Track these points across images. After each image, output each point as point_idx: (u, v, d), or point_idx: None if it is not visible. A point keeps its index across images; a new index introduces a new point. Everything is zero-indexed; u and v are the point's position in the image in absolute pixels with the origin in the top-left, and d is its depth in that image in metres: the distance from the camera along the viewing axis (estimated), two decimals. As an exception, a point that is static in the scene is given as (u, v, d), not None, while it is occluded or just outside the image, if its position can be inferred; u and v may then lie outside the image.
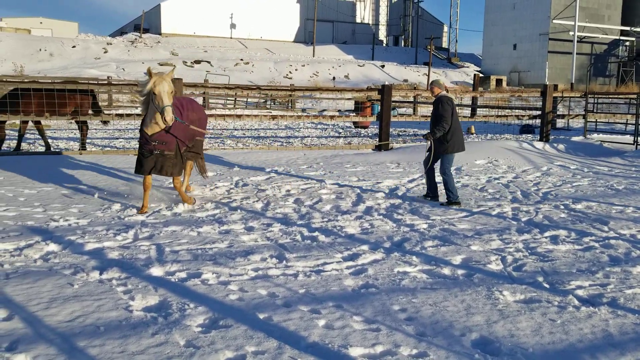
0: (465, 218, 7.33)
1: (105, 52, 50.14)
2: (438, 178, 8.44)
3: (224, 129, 21.62)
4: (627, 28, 53.36)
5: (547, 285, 4.87)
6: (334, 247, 5.91)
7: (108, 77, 31.95)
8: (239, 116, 13.92)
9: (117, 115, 13.97)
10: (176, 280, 4.83)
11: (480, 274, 5.16)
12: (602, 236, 6.51)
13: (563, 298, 4.58)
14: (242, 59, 53.61)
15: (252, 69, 51.31)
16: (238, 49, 60.82)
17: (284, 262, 5.33)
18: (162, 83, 6.88)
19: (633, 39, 55.08)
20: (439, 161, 8.37)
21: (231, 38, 65.43)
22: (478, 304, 4.40)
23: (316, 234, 6.40)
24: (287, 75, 51.72)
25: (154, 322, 3.96)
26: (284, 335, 3.79)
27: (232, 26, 65.98)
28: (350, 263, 5.38)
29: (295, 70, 53.59)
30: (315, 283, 4.79)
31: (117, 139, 16.48)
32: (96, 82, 21.55)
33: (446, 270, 5.25)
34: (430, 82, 8.15)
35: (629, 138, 15.83)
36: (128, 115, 13.09)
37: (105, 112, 15.82)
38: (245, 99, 33.30)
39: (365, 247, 5.92)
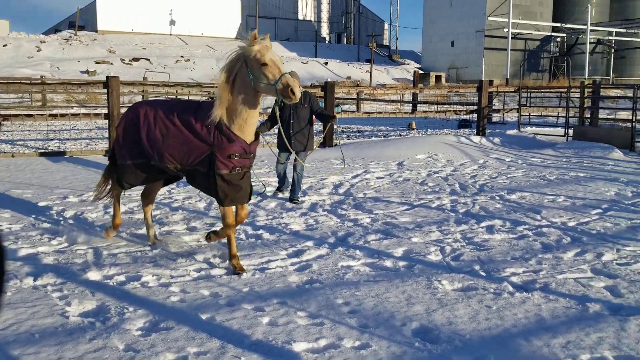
0: (407, 211, 7.49)
1: (39, 50, 48.03)
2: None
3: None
4: (558, 24, 55.70)
5: (483, 274, 5.05)
6: (279, 244, 5.92)
7: (41, 76, 30.65)
8: (180, 115, 13.67)
9: (50, 115, 13.43)
10: (115, 284, 4.71)
11: (421, 265, 5.29)
12: (535, 225, 6.79)
13: (498, 285, 4.76)
14: (182, 56, 52.63)
15: (194, 66, 50.45)
16: (178, 45, 59.65)
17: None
18: (271, 50, 4.76)
19: (564, 35, 57.55)
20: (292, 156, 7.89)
21: (171, 35, 64.08)
22: (418, 294, 4.51)
23: (260, 232, 6.39)
24: (229, 72, 51.09)
25: (91, 327, 3.85)
26: (227, 335, 3.76)
27: (172, 23, 64.64)
28: (295, 260, 5.40)
29: (238, 67, 53.04)
30: (260, 281, 4.78)
31: (52, 140, 15.85)
32: (29, 82, 20.64)
33: (388, 263, 5.35)
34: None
35: (560, 130, 16.57)
36: (62, 115, 12.60)
37: (39, 112, 15.19)
38: (187, 97, 32.72)
39: (309, 243, 5.95)
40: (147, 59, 49.60)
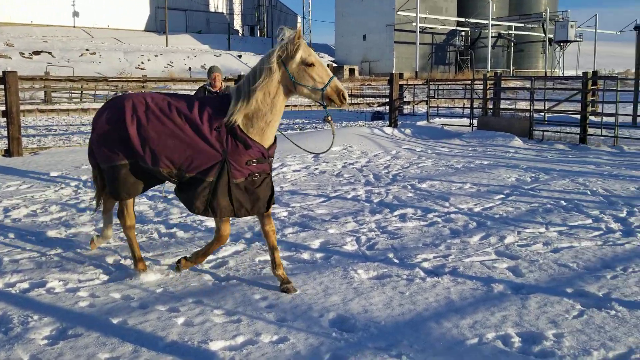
0: (323, 203, 7.58)
1: None
2: None
3: (70, 125, 20.11)
4: (463, 19, 58.29)
5: (396, 261, 5.21)
6: (194, 242, 5.80)
7: None
8: (85, 110, 13.03)
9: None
10: (17, 291, 4.42)
11: (337, 256, 5.37)
12: (444, 211, 7.09)
13: (411, 271, 4.93)
14: (87, 49, 50.14)
15: (100, 60, 48.21)
16: (83, 38, 56.73)
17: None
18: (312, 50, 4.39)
19: (468, 29, 60.33)
20: None
21: (74, 27, 60.78)
22: (335, 285, 4.58)
23: (174, 230, 6.23)
24: (139, 66, 49.35)
25: (-9, 340, 3.60)
26: (140, 338, 3.64)
27: (75, 14, 61.33)
28: (211, 257, 5.31)
29: (148, 60, 51.32)
30: (174, 281, 4.67)
31: (-59, 140, 14.59)
32: None
33: (305, 255, 5.39)
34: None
35: (465, 121, 17.39)
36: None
37: None
38: (93, 92, 31.19)
39: (225, 240, 5.88)
40: (49, 53, 46.84)
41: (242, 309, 4.12)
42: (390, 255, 5.38)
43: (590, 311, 4.07)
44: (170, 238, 5.93)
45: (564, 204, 7.48)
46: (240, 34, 73.06)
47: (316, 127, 18.63)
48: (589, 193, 8.15)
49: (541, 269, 4.97)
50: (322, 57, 63.02)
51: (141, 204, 7.41)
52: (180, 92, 32.91)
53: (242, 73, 28.45)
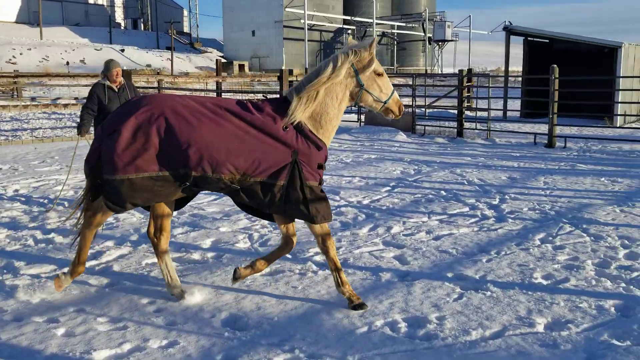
0: (215, 201, 7.44)
1: None
2: None
3: None
4: (349, 17, 59.85)
5: (289, 256, 5.23)
6: (74, 247, 5.44)
7: None
8: (-56, 108, 11.77)
9: None
10: None
11: (230, 254, 5.31)
12: (335, 205, 7.25)
13: (303, 265, 4.99)
14: (-53, 41, 45.34)
15: (-37, 53, 43.80)
16: (-60, 28, 51.20)
17: (13, 272, 4.72)
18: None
19: (354, 27, 62.06)
20: None
21: None
22: (227, 284, 4.52)
23: (52, 235, 5.82)
24: (10, 60, 45.47)
25: None
26: (14, 354, 3.37)
27: None
28: (94, 262, 5.03)
29: (20, 54, 47.45)
30: (52, 289, 4.35)
31: None
32: None
33: (196, 255, 5.27)
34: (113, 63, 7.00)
35: (354, 116, 17.88)
36: None
37: None
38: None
39: (109, 243, 5.59)
40: None
41: (129, 315, 3.94)
42: (283, 250, 5.40)
43: (468, 293, 4.35)
44: (47, 244, 5.53)
45: (444, 193, 7.93)
46: (122, 27, 69.65)
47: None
48: (466, 183, 8.72)
49: (424, 256, 5.24)
50: (210, 52, 61.85)
51: (14, 209, 6.85)
52: (58, 88, 30.75)
53: (125, 68, 27.14)
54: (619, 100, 15.99)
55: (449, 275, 4.76)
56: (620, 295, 4.29)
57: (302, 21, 53.89)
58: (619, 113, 16.28)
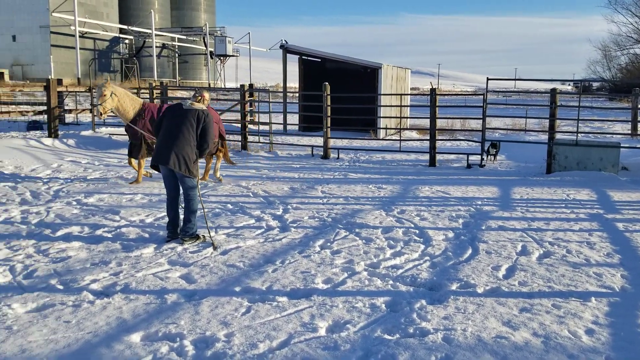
0: (-36, 231, 6.38)
1: None
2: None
3: None
4: (125, 27, 56.96)
5: (61, 287, 4.72)
6: None
7: None
8: None
9: None
10: None
11: (-15, 292, 4.57)
12: (114, 226, 6.76)
13: (78, 296, 4.52)
14: None
15: None
16: None
17: None
18: None
19: (131, 37, 59.24)
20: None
21: None
22: (-18, 327, 3.87)
23: None
24: None
25: None
26: None
27: None
28: None
29: None
30: None
31: None
32: None
33: (-60, 297, 4.43)
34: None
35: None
36: None
37: None
38: None
39: None
40: None
41: None
42: (53, 281, 4.85)
43: (256, 305, 4.39)
44: None
45: (231, 207, 7.96)
46: None
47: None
48: (252, 195, 8.88)
49: (212, 272, 5.16)
50: (-42, 57, 53.40)
51: None
52: None
53: None
54: (381, 115, 17.92)
55: (237, 289, 4.76)
56: (389, 292, 4.75)
57: (72, 28, 49.72)
58: (381, 127, 18.22)
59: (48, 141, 13.80)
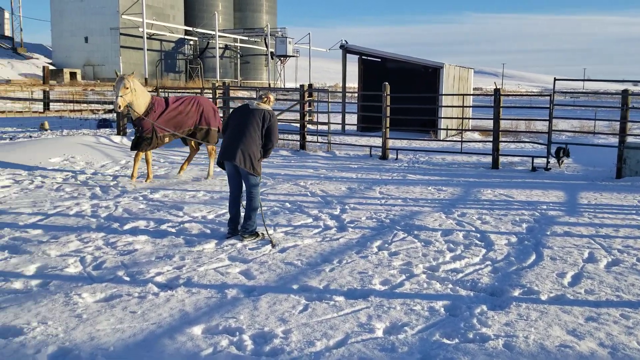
0: (40, 222, 6.75)
1: None
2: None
3: None
4: (190, 28, 58.67)
5: (127, 279, 4.92)
6: None
7: None
8: None
9: None
10: None
11: (58, 280, 4.83)
12: (178, 221, 6.98)
13: (143, 288, 4.70)
14: None
15: None
16: None
17: None
18: None
19: (196, 38, 60.96)
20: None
21: None
22: (55, 314, 4.09)
23: None
24: None
25: None
26: None
27: None
28: None
29: None
30: None
31: None
32: None
33: (18, 284, 4.71)
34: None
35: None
36: None
37: None
38: None
39: None
40: None
41: None
42: (120, 273, 5.05)
43: (313, 304, 4.42)
44: None
45: (289, 205, 8.05)
46: None
47: (31, 137, 16.58)
48: (310, 194, 8.94)
49: (270, 270, 5.24)
50: (37, 58, 56.63)
51: None
52: None
53: None
54: (442, 116, 17.64)
55: (295, 287, 4.81)
56: (449, 296, 4.67)
57: (140, 29, 51.65)
58: (441, 127, 17.94)
59: (117, 138, 14.38)
